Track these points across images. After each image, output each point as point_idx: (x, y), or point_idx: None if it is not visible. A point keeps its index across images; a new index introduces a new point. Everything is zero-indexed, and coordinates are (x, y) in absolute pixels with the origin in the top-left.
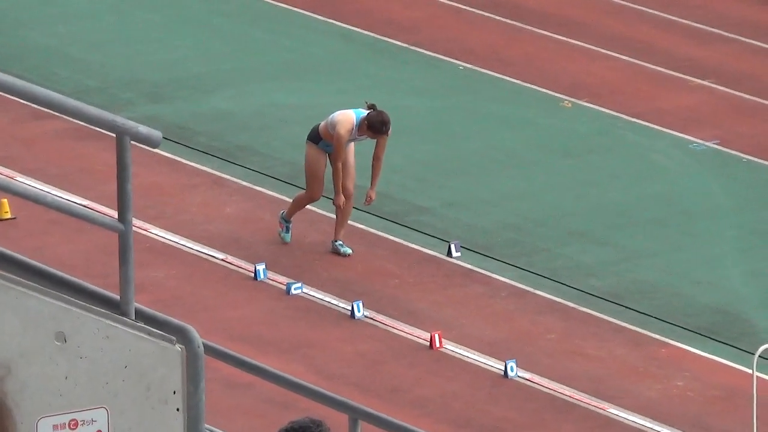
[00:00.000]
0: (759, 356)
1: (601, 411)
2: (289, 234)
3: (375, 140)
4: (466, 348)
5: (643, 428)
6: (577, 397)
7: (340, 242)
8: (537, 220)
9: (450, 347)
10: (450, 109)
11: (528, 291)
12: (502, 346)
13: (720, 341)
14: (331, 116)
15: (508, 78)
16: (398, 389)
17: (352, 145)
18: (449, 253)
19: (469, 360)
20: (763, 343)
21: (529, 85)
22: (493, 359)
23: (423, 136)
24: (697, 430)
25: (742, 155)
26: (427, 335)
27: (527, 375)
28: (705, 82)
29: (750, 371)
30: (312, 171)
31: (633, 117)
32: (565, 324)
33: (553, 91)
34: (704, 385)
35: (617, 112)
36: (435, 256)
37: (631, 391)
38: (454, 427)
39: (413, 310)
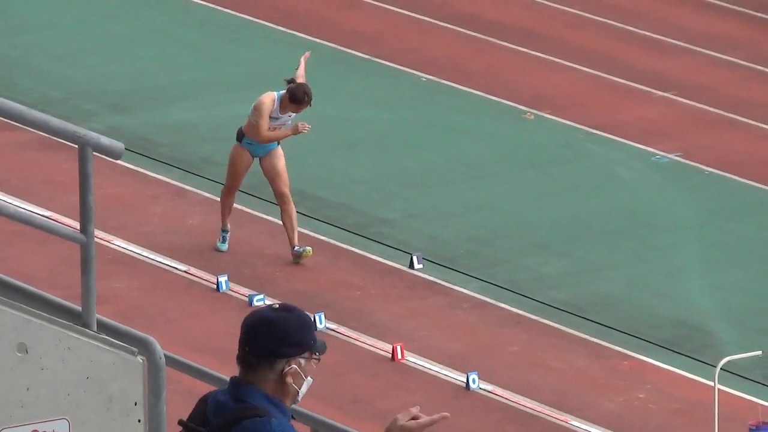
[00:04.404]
0: (720, 369)
1: (563, 423)
2: (226, 243)
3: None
4: (428, 360)
5: None
6: (539, 409)
7: (298, 247)
8: (499, 232)
9: (412, 359)
10: (412, 121)
11: (490, 303)
12: (464, 358)
13: (682, 354)
14: (251, 107)
15: (470, 90)
16: (360, 401)
17: (279, 149)
18: (411, 265)
19: (431, 372)
20: (725, 356)
21: (491, 96)
22: (455, 371)
23: (385, 147)
24: None
25: (704, 167)
26: (389, 347)
27: (489, 387)
28: (667, 94)
29: (712, 384)
30: (231, 165)
31: (595, 129)
32: (526, 336)
33: (515, 102)
34: (666, 398)
35: (579, 124)
36: (397, 268)
37: (593, 403)
38: None
39: (375, 322)
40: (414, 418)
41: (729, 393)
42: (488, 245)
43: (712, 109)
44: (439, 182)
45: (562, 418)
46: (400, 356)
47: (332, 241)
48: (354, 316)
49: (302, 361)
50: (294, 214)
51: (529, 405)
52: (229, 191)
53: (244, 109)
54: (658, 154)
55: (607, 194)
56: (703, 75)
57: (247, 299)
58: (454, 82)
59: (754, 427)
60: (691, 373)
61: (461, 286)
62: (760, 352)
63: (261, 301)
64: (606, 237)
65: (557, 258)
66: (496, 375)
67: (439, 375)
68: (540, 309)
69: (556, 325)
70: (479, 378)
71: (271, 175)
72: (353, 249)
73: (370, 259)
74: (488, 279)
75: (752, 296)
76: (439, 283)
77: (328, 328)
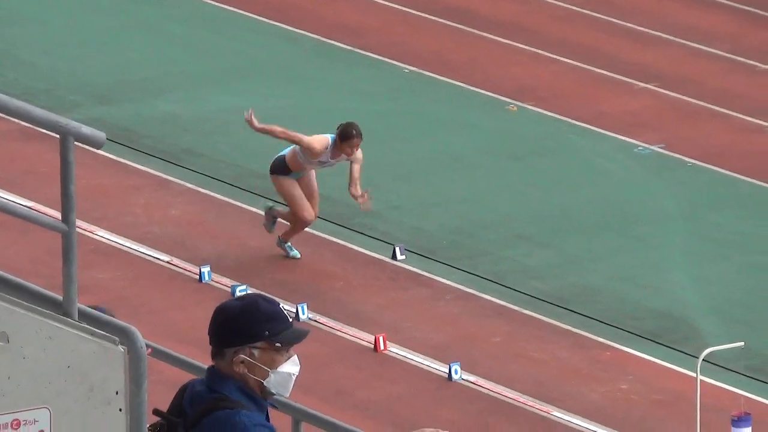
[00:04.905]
0: (703, 360)
1: (545, 414)
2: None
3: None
4: (410, 351)
5: (586, 431)
6: (521, 399)
7: (289, 244)
8: (482, 224)
9: (394, 350)
10: (395, 113)
11: (472, 294)
12: (446, 348)
13: (664, 345)
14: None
15: (453, 81)
16: (342, 391)
17: (312, 173)
18: (394, 256)
19: (413, 363)
20: (707, 347)
21: (474, 88)
22: (438, 362)
23: (368, 139)
24: None
25: (686, 159)
26: (372, 338)
27: (471, 378)
28: (649, 86)
29: (694, 375)
30: (291, 196)
31: (578, 121)
32: (509, 327)
33: (498, 94)
34: (648, 389)
35: (562, 115)
36: (380, 259)
37: (575, 394)
38: (399, 429)
39: (358, 313)
40: None
41: (711, 384)
42: (471, 236)
43: (694, 101)
44: (422, 174)
45: (544, 408)
46: (382, 347)
47: (315, 233)
48: (337, 307)
49: (256, 351)
50: (300, 230)
51: (511, 396)
52: (304, 223)
53: (230, 102)
54: (640, 146)
55: (589, 186)
56: (686, 67)
57: (229, 290)
58: (438, 74)
59: (736, 419)
60: (673, 364)
61: (444, 277)
62: (742, 344)
63: (243, 291)
64: (588, 228)
65: (540, 249)
66: (478, 366)
67: (421, 366)
68: (522, 300)
69: (539, 316)
70: (461, 369)
71: (306, 194)
72: (336, 240)
73: (353, 250)
74: (471, 270)
75: (735, 288)
76: (422, 274)
77: (310, 318)
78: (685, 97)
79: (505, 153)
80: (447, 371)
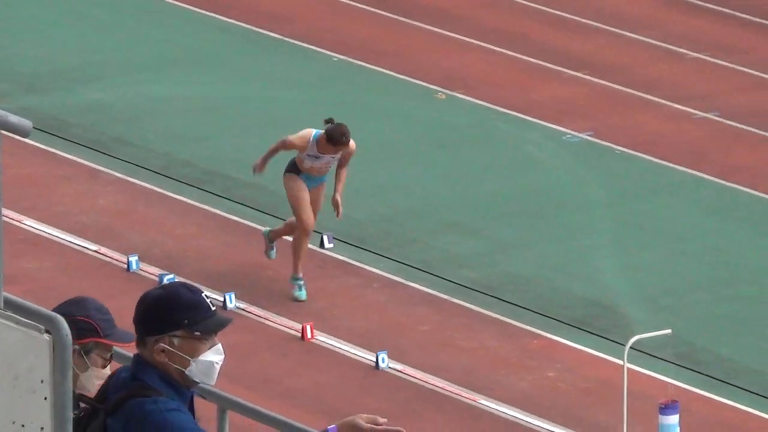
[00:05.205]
0: (630, 348)
1: (472, 402)
2: (274, 251)
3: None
4: (338, 339)
5: (514, 420)
6: (449, 388)
7: (299, 279)
8: (411, 212)
9: (322, 338)
10: (324, 101)
11: (401, 282)
12: (374, 337)
13: (592, 333)
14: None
15: (382, 69)
16: (270, 380)
17: (325, 184)
18: (322, 245)
19: (340, 351)
20: (635, 335)
21: (403, 76)
22: (365, 350)
23: (297, 127)
24: (569, 422)
25: (615, 147)
26: (299, 326)
27: (399, 366)
28: (578, 74)
29: (621, 363)
30: (297, 199)
31: (507, 109)
32: (437, 315)
33: (427, 82)
34: (576, 377)
35: (491, 103)
36: (308, 248)
37: (503, 382)
38: (326, 417)
39: (286, 302)
40: (375, 424)
41: (639, 372)
42: (400, 225)
43: (623, 89)
44: (351, 162)
45: (472, 397)
46: (310, 335)
47: (244, 221)
48: (264, 296)
49: (176, 340)
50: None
51: (439, 384)
52: (303, 232)
53: (160, 90)
54: (569, 134)
55: (518, 174)
56: (615, 54)
57: (157, 278)
58: (366, 62)
59: (663, 406)
60: (601, 352)
61: (372, 266)
62: (669, 331)
63: (171, 280)
64: (518, 217)
65: (469, 238)
66: (406, 354)
67: (348, 354)
68: (451, 288)
69: (467, 305)
70: (389, 357)
71: (313, 207)
72: (264, 229)
73: (282, 239)
74: (399, 259)
75: (662, 275)
76: (350, 263)
77: (238, 307)
78: (614, 85)
79: (434, 141)
80: (374, 360)
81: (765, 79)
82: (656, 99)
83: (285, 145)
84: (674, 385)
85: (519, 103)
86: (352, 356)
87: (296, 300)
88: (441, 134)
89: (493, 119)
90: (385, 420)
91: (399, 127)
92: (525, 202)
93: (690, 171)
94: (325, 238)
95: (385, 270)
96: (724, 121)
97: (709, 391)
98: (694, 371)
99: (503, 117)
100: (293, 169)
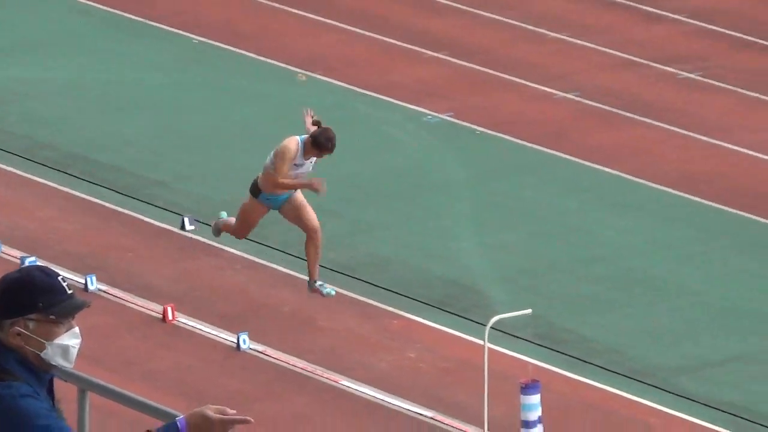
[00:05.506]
0: (491, 328)
1: (333, 383)
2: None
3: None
4: (199, 321)
5: (375, 400)
6: (309, 369)
7: (321, 283)
8: None
9: (183, 320)
10: (184, 83)
11: (261, 264)
12: (235, 318)
13: (452, 313)
14: (270, 155)
15: (243, 51)
16: (131, 362)
17: (297, 194)
18: (183, 227)
19: (202, 333)
20: (495, 315)
21: (264, 58)
22: (226, 332)
23: (157, 110)
24: (429, 402)
25: (475, 127)
26: (161, 308)
27: (260, 347)
28: (439, 55)
29: (482, 343)
30: (244, 217)
31: (367, 90)
32: (297, 296)
33: (288, 64)
34: (436, 357)
35: (352, 85)
36: (169, 230)
37: (363, 363)
38: (185, 399)
39: (147, 284)
40: (223, 414)
41: (499, 352)
42: None
43: (484, 69)
44: (212, 144)
45: (333, 378)
46: (171, 317)
47: (104, 203)
48: (125, 278)
49: (30, 323)
50: (320, 246)
51: (299, 365)
52: (236, 236)
53: (19, 73)
54: (429, 115)
55: (379, 155)
56: (476, 35)
57: (19, 261)
58: (227, 44)
59: (524, 386)
60: (461, 332)
61: (233, 248)
62: (530, 311)
63: (33, 263)
64: (378, 198)
65: (329, 218)
66: (267, 335)
67: (210, 336)
68: None
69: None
70: (250, 338)
71: (296, 215)
72: (125, 211)
73: (142, 221)
74: (260, 240)
75: (522, 256)
76: (211, 245)
77: (99, 289)
78: (474, 66)
79: (294, 123)
80: (235, 341)
81: (625, 59)
82: (516, 79)
83: (285, 162)
84: (535, 364)
85: (379, 84)
86: (214, 338)
87: (328, 296)
88: (302, 116)
89: (354, 100)
90: (234, 411)
91: (259, 109)
92: (385, 183)
93: (550, 151)
94: (186, 220)
95: (246, 252)
96: (584, 101)
97: (569, 371)
98: (555, 351)
99: (364, 98)
100: (254, 191)
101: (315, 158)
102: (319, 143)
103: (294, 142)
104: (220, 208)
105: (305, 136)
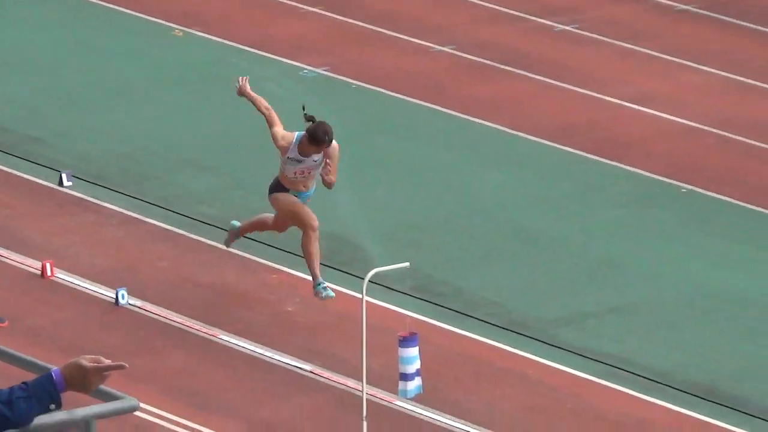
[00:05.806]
0: (369, 281)
1: (212, 337)
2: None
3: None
4: (77, 276)
5: (253, 354)
6: (188, 323)
7: (322, 283)
8: (148, 149)
9: (61, 276)
10: (62, 41)
11: (139, 219)
12: (113, 274)
13: (331, 267)
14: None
15: (118, 8)
16: (10, 319)
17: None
18: (60, 183)
19: (80, 288)
20: (373, 269)
21: (139, 14)
22: (105, 287)
23: (34, 67)
24: (308, 356)
25: (352, 81)
26: (39, 264)
27: (138, 303)
28: (315, 9)
29: (360, 296)
30: (288, 209)
31: (244, 45)
32: (176, 251)
33: (164, 20)
34: (314, 311)
35: (228, 40)
36: (47, 186)
37: (242, 317)
38: (65, 355)
39: (25, 240)
40: (98, 363)
41: (378, 305)
42: (138, 162)
43: (360, 23)
44: (89, 101)
45: (211, 332)
46: (49, 273)
47: None
48: (3, 234)
49: None
50: (317, 246)
51: (178, 320)
52: (313, 229)
53: None
54: (306, 69)
55: (254, 110)
56: None
57: None
58: (103, 1)
59: (402, 338)
60: (340, 285)
61: (110, 203)
62: (407, 264)
63: None
64: (255, 152)
65: (206, 173)
66: (145, 290)
67: (88, 291)
68: (189, 224)
69: (205, 240)
70: (128, 294)
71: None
72: (2, 168)
73: (20, 177)
74: (137, 195)
75: (400, 210)
76: (88, 200)
77: None
78: (350, 20)
79: (171, 79)
80: (114, 296)
81: (501, 12)
82: (393, 33)
83: (270, 128)
84: (413, 317)
85: (256, 38)
86: (92, 293)
87: (328, 298)
88: (178, 72)
89: (231, 56)
90: (109, 361)
91: (136, 66)
92: (262, 137)
93: (428, 105)
94: (64, 176)
95: (123, 207)
96: (461, 54)
97: (448, 324)
98: (434, 304)
99: (240, 53)
100: (277, 188)
101: (315, 154)
102: (317, 137)
103: (291, 133)
104: (96, 164)
105: (302, 133)
